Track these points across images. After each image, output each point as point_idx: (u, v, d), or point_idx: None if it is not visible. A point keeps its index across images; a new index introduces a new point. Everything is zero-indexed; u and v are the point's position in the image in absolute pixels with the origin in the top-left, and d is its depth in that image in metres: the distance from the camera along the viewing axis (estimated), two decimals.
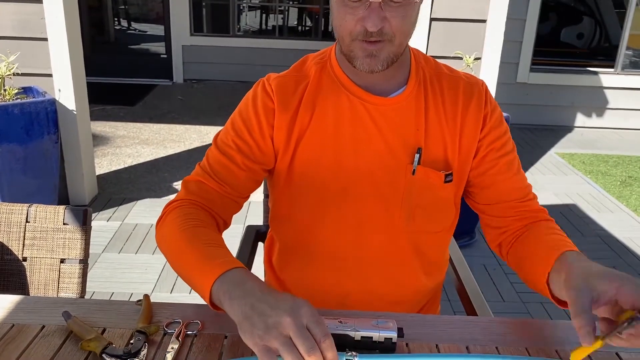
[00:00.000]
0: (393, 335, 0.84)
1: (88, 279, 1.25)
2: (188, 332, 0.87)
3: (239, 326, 0.75)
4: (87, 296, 1.26)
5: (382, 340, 0.84)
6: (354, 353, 0.78)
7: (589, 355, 0.79)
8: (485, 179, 1.09)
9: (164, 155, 4.13)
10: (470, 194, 1.14)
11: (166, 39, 6.25)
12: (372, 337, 0.84)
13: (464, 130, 1.07)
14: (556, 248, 0.92)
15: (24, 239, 1.20)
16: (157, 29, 6.39)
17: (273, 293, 0.77)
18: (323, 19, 6.82)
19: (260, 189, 1.23)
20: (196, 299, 0.90)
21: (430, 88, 1.07)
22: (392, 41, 0.95)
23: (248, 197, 1.12)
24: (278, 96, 1.06)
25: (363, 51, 0.95)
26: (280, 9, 6.82)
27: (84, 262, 1.21)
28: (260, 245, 1.47)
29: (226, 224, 1.09)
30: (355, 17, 0.93)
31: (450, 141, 1.07)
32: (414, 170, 1.05)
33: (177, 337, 0.85)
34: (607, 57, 5.67)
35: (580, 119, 5.45)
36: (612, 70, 5.39)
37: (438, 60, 1.13)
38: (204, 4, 6.39)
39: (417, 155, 1.05)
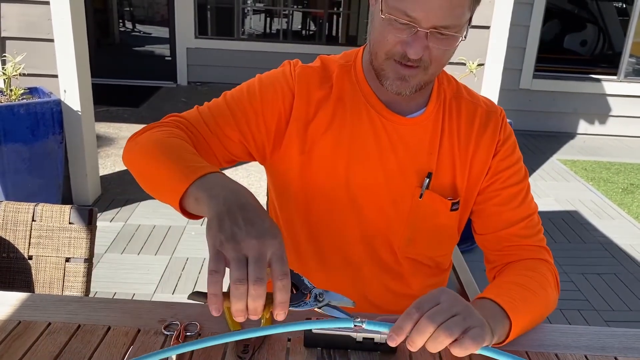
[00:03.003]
0: None
1: (91, 279, 1.26)
2: (187, 334, 0.87)
3: (208, 222, 0.72)
4: (90, 296, 1.28)
5: (384, 341, 0.84)
6: (362, 319, 0.74)
7: None
8: (485, 207, 1.08)
9: None
10: (471, 221, 1.13)
11: (171, 41, 6.27)
12: (373, 339, 0.85)
13: (475, 158, 1.05)
14: (485, 292, 0.91)
15: (30, 238, 1.22)
16: (162, 31, 6.41)
17: (256, 207, 0.73)
18: (327, 23, 6.85)
19: (263, 191, 1.22)
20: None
21: (448, 112, 1.06)
22: (427, 70, 0.94)
23: (222, 165, 1.05)
24: (299, 84, 1.04)
25: (395, 73, 0.94)
26: (284, 12, 6.85)
27: (89, 261, 1.22)
28: None
29: None
30: (397, 38, 0.90)
31: (460, 168, 1.05)
32: (422, 194, 1.04)
33: (177, 339, 0.86)
34: (610, 64, 5.68)
35: (583, 126, 5.45)
36: (614, 77, 5.40)
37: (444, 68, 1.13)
38: (208, 6, 6.42)
39: (426, 180, 1.04)
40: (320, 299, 0.73)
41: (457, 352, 0.73)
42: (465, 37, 0.92)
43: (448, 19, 0.87)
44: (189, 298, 0.71)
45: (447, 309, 0.74)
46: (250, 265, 0.67)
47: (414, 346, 0.74)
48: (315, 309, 0.74)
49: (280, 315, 0.69)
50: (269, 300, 0.68)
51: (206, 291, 0.68)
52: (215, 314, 0.67)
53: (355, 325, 0.73)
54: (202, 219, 0.82)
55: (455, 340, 0.73)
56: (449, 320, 0.73)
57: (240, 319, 0.68)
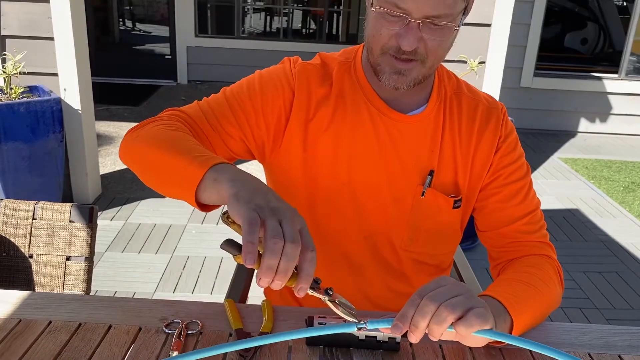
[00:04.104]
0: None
1: (92, 277, 1.26)
2: (189, 332, 0.87)
3: (235, 196, 0.71)
4: (90, 294, 1.27)
5: (387, 340, 0.84)
6: (364, 321, 0.73)
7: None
8: (488, 204, 1.07)
9: None
10: (473, 218, 1.13)
11: (171, 40, 6.26)
12: (376, 337, 0.84)
13: (477, 154, 1.05)
14: (487, 290, 0.90)
15: (31, 236, 1.21)
16: (162, 30, 6.40)
17: (277, 194, 0.75)
18: (327, 22, 6.84)
19: None
20: (199, 299, 0.90)
21: (449, 108, 1.05)
22: (424, 63, 0.92)
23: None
24: (299, 82, 1.03)
25: (391, 67, 0.93)
26: (284, 11, 6.84)
27: (90, 259, 1.22)
28: None
29: None
30: (390, 31, 0.90)
31: (462, 165, 1.05)
32: (424, 192, 1.04)
33: (178, 337, 0.85)
34: (611, 62, 5.67)
35: (584, 124, 5.44)
36: (615, 75, 5.39)
37: (444, 64, 1.13)
38: (208, 5, 6.41)
39: (428, 178, 1.03)
40: (331, 293, 0.74)
41: (462, 329, 0.71)
42: (459, 27, 0.91)
43: (440, 8, 0.86)
44: (221, 247, 0.71)
45: (449, 291, 0.73)
46: (287, 227, 0.68)
47: (417, 332, 0.72)
48: (327, 301, 0.74)
49: (302, 290, 0.69)
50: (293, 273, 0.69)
51: (240, 242, 0.67)
52: (250, 264, 0.66)
53: (358, 329, 0.72)
54: (203, 217, 0.80)
55: (460, 318, 0.71)
56: (451, 299, 0.72)
57: (265, 281, 0.67)
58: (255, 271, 0.69)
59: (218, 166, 0.78)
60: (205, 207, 0.81)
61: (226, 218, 0.74)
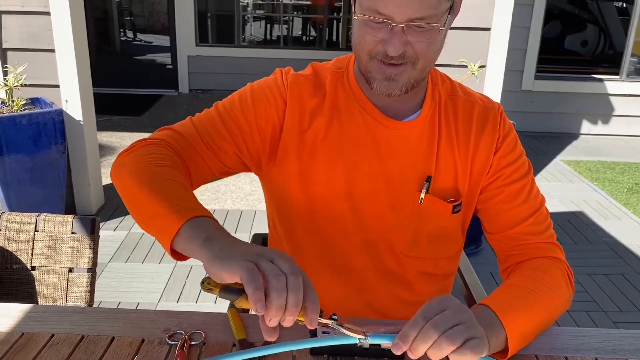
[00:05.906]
0: None
1: (95, 289, 1.25)
2: (192, 343, 0.86)
3: (214, 259, 0.70)
4: (94, 305, 1.27)
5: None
6: (366, 334, 0.74)
7: None
8: (490, 206, 1.06)
9: None
10: (480, 221, 1.12)
11: (172, 49, 6.28)
12: (380, 345, 0.83)
13: (476, 156, 1.04)
14: (487, 297, 0.90)
15: (33, 248, 1.21)
16: (163, 40, 6.43)
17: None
18: (327, 29, 6.86)
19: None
20: (203, 308, 0.89)
21: (444, 112, 1.04)
22: (415, 65, 0.91)
23: (215, 176, 1.05)
24: (291, 93, 1.02)
25: (381, 73, 0.92)
26: (284, 19, 6.86)
27: (92, 270, 1.22)
28: None
29: (191, 187, 0.98)
30: (375, 38, 0.89)
31: (462, 168, 1.04)
32: (422, 199, 1.03)
33: (181, 348, 0.85)
34: (611, 64, 5.66)
35: (586, 126, 5.43)
36: (617, 77, 5.38)
37: (443, 69, 1.12)
38: (209, 14, 6.44)
39: (426, 184, 1.03)
40: (336, 318, 0.74)
41: (455, 358, 0.74)
42: (444, 27, 0.90)
43: (423, 9, 0.85)
44: (220, 296, 0.71)
45: (452, 317, 0.75)
46: (280, 263, 0.69)
47: (416, 353, 0.75)
48: (335, 326, 0.74)
49: (314, 320, 0.69)
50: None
51: (236, 287, 0.67)
52: (262, 311, 0.65)
53: (359, 342, 0.73)
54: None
55: (456, 348, 0.74)
56: (452, 328, 0.74)
57: (275, 321, 0.67)
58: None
59: (193, 221, 0.77)
60: (179, 257, 0.80)
61: (207, 284, 0.71)
